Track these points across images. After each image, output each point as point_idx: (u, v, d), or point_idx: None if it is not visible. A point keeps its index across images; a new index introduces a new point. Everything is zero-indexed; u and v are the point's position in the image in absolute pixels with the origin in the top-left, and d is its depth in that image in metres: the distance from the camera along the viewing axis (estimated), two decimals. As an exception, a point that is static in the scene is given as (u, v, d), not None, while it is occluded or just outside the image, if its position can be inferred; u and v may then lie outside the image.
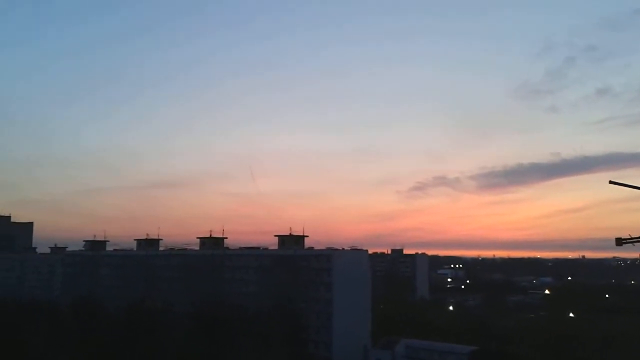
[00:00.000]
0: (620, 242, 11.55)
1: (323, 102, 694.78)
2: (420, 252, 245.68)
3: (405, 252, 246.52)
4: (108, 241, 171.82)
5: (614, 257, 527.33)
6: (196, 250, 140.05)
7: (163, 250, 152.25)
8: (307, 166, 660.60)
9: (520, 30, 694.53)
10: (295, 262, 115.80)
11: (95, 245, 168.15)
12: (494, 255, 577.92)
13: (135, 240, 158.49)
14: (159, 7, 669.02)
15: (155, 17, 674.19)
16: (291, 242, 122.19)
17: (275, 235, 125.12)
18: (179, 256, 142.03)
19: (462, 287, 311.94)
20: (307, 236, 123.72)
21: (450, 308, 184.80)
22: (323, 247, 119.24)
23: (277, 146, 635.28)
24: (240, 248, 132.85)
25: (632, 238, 11.29)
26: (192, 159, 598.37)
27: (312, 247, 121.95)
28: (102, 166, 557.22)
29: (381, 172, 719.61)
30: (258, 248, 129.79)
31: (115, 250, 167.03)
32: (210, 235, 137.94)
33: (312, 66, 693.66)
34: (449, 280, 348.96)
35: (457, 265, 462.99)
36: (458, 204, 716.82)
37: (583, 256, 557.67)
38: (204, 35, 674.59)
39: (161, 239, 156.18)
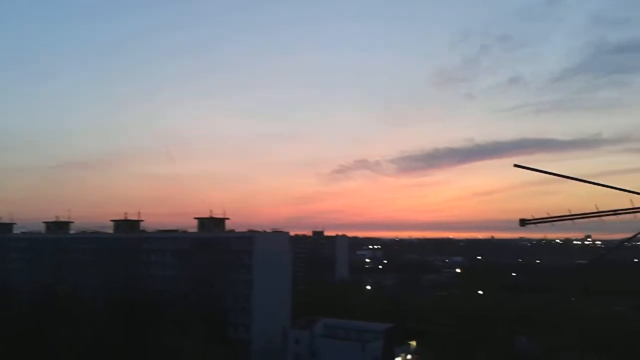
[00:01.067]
0: (523, 222, 12.08)
1: (244, 85, 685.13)
2: (340, 234, 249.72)
3: (326, 234, 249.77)
4: (15, 223, 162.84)
5: (521, 238, 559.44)
6: (110, 233, 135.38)
7: (74, 234, 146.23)
8: (228, 148, 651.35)
9: (441, 17, 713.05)
10: (216, 245, 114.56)
11: (2, 228, 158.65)
12: (410, 237, 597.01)
13: (44, 222, 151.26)
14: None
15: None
16: (211, 224, 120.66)
17: (195, 218, 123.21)
18: (91, 239, 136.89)
19: (380, 267, 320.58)
20: (228, 219, 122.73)
21: (368, 288, 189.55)
22: (244, 230, 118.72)
23: (197, 127, 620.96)
24: (158, 231, 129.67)
25: (535, 219, 11.82)
26: (104, 138, 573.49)
27: (233, 230, 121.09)
28: (7, 145, 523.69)
29: (303, 155, 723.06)
30: (176, 231, 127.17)
31: (22, 233, 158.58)
32: (125, 217, 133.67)
33: (234, 49, 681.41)
34: (368, 260, 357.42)
35: (375, 246, 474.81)
36: (378, 186, 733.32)
37: (492, 237, 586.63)
38: (122, 11, 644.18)
39: (72, 222, 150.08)
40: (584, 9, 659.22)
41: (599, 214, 11.59)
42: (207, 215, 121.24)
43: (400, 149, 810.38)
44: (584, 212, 12.04)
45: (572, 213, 11.80)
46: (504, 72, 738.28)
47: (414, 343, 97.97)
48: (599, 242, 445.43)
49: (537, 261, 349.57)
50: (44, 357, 71.90)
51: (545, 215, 12.21)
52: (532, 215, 11.95)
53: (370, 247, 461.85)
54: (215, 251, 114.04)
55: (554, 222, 12.12)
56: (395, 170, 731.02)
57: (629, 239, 13.72)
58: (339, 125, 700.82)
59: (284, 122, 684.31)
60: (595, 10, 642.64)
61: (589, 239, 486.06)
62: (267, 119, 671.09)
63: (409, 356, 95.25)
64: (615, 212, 11.45)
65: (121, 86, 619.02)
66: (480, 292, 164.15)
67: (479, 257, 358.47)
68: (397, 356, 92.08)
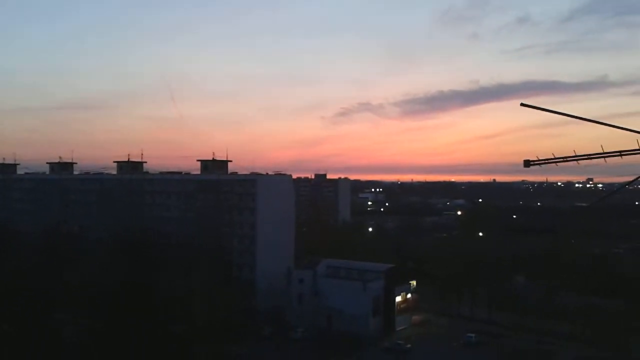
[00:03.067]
0: (528, 163, 11.92)
1: (249, 29, 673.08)
2: (343, 176, 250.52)
3: (329, 177, 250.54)
4: (19, 164, 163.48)
5: (523, 181, 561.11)
6: (114, 174, 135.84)
7: (78, 174, 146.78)
8: (232, 92, 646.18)
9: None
10: (219, 187, 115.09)
11: (5, 169, 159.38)
12: (412, 180, 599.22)
13: (48, 163, 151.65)
14: None
15: None
16: (214, 167, 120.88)
17: (198, 160, 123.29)
18: (95, 180, 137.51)
19: (382, 210, 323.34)
20: (230, 161, 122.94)
21: (370, 230, 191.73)
22: (247, 173, 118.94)
23: (201, 71, 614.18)
24: (161, 173, 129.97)
25: (539, 160, 11.66)
26: (108, 80, 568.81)
27: (236, 172, 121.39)
28: (11, 86, 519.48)
29: (306, 98, 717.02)
30: (180, 173, 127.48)
31: (26, 173, 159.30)
32: (129, 159, 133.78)
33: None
34: (370, 203, 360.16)
35: (377, 189, 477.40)
36: (380, 129, 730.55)
37: (494, 180, 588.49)
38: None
39: (75, 163, 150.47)
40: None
41: (604, 155, 11.41)
42: (210, 158, 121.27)
43: (404, 92, 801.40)
44: (588, 153, 11.86)
45: (577, 154, 11.62)
46: (513, 11, 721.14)
47: (414, 283, 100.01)
48: (601, 185, 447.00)
49: (538, 203, 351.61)
50: (50, 295, 73.55)
51: (549, 157, 12.04)
52: (536, 157, 11.79)
53: (373, 190, 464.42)
54: (219, 193, 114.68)
55: (558, 163, 11.96)
56: (398, 114, 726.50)
57: (630, 182, 13.59)
58: (342, 68, 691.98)
59: (287, 66, 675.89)
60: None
61: (590, 182, 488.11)
62: (271, 63, 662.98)
63: (409, 295, 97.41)
64: (620, 153, 11.26)
65: (126, 29, 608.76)
66: (480, 234, 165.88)
67: (480, 200, 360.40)
68: (398, 295, 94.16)
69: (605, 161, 11.77)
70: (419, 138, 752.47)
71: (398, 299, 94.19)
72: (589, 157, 11.80)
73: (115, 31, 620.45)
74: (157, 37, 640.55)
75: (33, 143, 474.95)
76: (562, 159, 11.99)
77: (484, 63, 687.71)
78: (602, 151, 11.60)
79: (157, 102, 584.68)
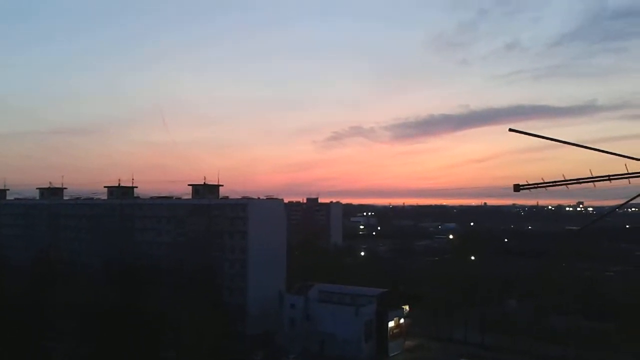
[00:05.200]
0: (517, 188, 12.13)
1: (239, 53, 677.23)
2: (334, 200, 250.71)
3: (320, 200, 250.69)
4: (8, 190, 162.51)
5: (513, 204, 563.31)
6: (104, 199, 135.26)
7: (68, 200, 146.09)
8: (223, 116, 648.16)
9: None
10: (210, 212, 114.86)
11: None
12: (403, 204, 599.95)
13: (37, 189, 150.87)
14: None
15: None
16: (206, 191, 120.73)
17: (189, 185, 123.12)
18: (85, 206, 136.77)
19: (374, 233, 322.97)
20: (222, 185, 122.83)
21: (362, 254, 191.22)
22: (239, 197, 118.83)
23: (191, 94, 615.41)
24: (152, 197, 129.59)
25: (529, 184, 11.89)
26: (99, 105, 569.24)
27: (228, 197, 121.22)
28: (2, 111, 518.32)
29: (298, 122, 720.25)
30: (171, 197, 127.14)
31: (16, 199, 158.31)
32: (119, 184, 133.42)
33: (231, 18, 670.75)
34: (362, 227, 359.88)
35: (369, 213, 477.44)
36: (372, 153, 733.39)
37: (485, 203, 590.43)
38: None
39: (65, 188, 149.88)
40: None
41: (593, 179, 11.65)
42: (201, 182, 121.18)
43: (395, 116, 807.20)
44: (578, 177, 12.08)
45: (566, 179, 11.85)
46: (502, 37, 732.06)
47: (407, 307, 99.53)
48: (591, 209, 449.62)
49: (529, 227, 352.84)
50: (39, 322, 72.61)
51: (539, 182, 12.25)
52: (526, 181, 12.00)
53: (364, 214, 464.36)
54: (210, 218, 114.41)
55: (548, 188, 12.18)
56: (389, 137, 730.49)
57: (621, 206, 13.82)
58: (334, 92, 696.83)
59: (279, 90, 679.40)
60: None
61: (581, 206, 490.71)
62: (263, 87, 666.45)
63: (401, 320, 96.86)
64: (609, 178, 11.50)
65: (118, 55, 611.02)
66: (472, 257, 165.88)
67: (472, 224, 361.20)
68: (391, 320, 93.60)
69: (595, 186, 12.02)
70: (411, 162, 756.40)
71: (391, 323, 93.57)
72: (578, 181, 12.03)
73: (106, 57, 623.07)
74: (149, 62, 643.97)
75: (24, 168, 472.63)
76: (551, 184, 12.22)
77: (474, 88, 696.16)
78: (591, 175, 11.84)
79: (148, 126, 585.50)
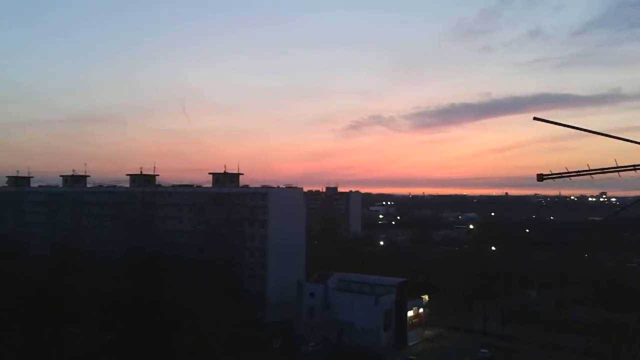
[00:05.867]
0: (541, 177, 11.94)
1: (259, 42, 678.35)
2: (354, 189, 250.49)
3: (340, 189, 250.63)
4: (32, 177, 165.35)
5: (535, 195, 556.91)
6: (126, 187, 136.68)
7: (91, 187, 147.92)
8: (243, 105, 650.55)
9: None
10: (230, 200, 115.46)
11: (19, 182, 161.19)
12: (423, 193, 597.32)
13: (61, 176, 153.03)
14: None
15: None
16: (226, 180, 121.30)
17: (210, 173, 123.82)
18: (108, 193, 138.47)
19: (393, 223, 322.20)
20: (242, 174, 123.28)
21: (382, 243, 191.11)
22: (258, 185, 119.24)
23: (213, 84, 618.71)
24: (173, 186, 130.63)
25: (552, 174, 11.68)
26: (121, 94, 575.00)
27: (247, 185, 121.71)
28: (25, 99, 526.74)
29: (318, 111, 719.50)
30: (192, 186, 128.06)
31: (40, 186, 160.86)
32: (141, 172, 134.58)
33: (250, 9, 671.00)
34: (381, 216, 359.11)
35: (388, 203, 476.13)
36: (392, 142, 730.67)
37: (506, 193, 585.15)
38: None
39: (88, 176, 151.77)
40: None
41: (618, 169, 11.42)
42: (221, 171, 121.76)
43: (415, 105, 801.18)
44: (602, 167, 11.87)
45: (590, 168, 11.64)
46: (525, 24, 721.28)
47: (426, 297, 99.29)
48: (614, 199, 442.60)
49: (551, 217, 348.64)
50: (61, 308, 73.90)
51: (563, 171, 12.06)
52: (549, 171, 11.81)
53: (384, 203, 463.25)
54: (230, 206, 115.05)
55: (572, 178, 11.98)
56: (409, 127, 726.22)
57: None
58: (354, 81, 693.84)
59: (298, 79, 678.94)
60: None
61: (604, 196, 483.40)
62: (281, 76, 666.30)
63: (421, 309, 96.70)
64: (634, 167, 11.26)
65: (138, 43, 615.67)
66: (492, 248, 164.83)
67: (493, 214, 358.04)
68: (410, 309, 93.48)
69: (619, 175, 11.77)
70: (431, 151, 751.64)
71: (410, 313, 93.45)
72: (602, 171, 11.80)
73: (126, 45, 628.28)
74: (168, 51, 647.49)
75: (47, 156, 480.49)
76: (575, 173, 12.01)
77: (495, 76, 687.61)
78: (615, 165, 11.60)
79: (168, 115, 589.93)
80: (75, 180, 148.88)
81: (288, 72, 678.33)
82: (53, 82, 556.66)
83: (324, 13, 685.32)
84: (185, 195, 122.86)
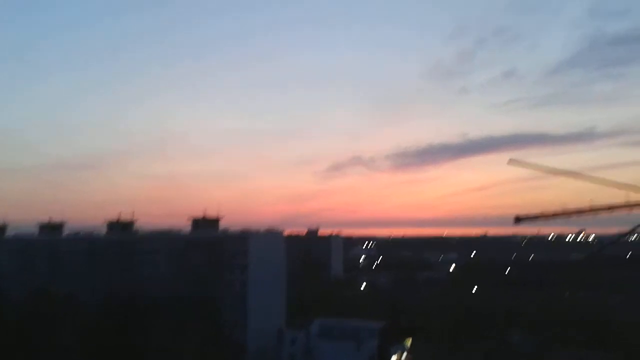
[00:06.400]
0: (518, 220, 12.04)
1: (241, 84, 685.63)
2: (335, 232, 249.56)
3: (321, 232, 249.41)
4: (7, 226, 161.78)
5: (514, 235, 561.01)
6: (104, 234, 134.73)
7: (68, 235, 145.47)
8: (224, 146, 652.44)
9: (436, 11, 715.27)
10: (210, 245, 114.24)
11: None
12: (404, 234, 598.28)
13: (38, 224, 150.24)
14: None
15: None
16: (205, 224, 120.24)
17: (189, 218, 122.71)
18: (85, 241, 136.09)
19: (375, 265, 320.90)
20: (222, 218, 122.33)
21: (364, 286, 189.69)
22: (239, 229, 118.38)
23: (193, 126, 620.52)
24: (152, 232, 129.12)
25: (529, 216, 11.79)
26: (98, 139, 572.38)
27: (227, 229, 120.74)
28: (1, 146, 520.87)
29: (299, 152, 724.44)
30: (171, 231, 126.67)
31: (15, 235, 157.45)
32: (119, 218, 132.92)
33: (230, 51, 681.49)
34: (362, 259, 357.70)
35: (370, 244, 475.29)
36: (372, 183, 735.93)
37: (486, 233, 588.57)
38: (121, 12, 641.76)
39: (65, 223, 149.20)
40: (581, 1, 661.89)
41: (594, 210, 11.57)
42: (201, 215, 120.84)
43: (395, 145, 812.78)
44: (578, 208, 12.01)
45: (567, 209, 11.77)
46: (499, 65, 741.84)
47: (409, 340, 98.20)
48: (592, 237, 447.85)
49: (531, 257, 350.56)
50: (39, 357, 71.53)
51: (540, 211, 12.19)
52: (526, 211, 11.94)
53: (365, 245, 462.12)
54: (210, 251, 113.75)
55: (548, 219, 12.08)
56: (389, 167, 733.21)
57: (625, 235, 13.71)
58: (334, 122, 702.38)
59: (279, 121, 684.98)
60: (592, 1, 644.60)
61: (582, 234, 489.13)
62: (263, 117, 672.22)
63: (404, 354, 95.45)
64: (610, 208, 11.42)
65: (117, 87, 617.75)
66: (474, 288, 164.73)
67: (473, 254, 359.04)
68: (393, 354, 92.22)
69: (596, 218, 11.92)
70: (411, 191, 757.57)
71: (393, 358, 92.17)
72: (578, 212, 11.95)
73: (105, 91, 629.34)
74: (149, 95, 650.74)
75: (24, 203, 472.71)
76: (551, 215, 12.13)
77: (472, 116, 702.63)
78: (591, 206, 11.75)
79: (149, 159, 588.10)
80: (52, 228, 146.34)
81: (269, 114, 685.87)
82: (30, 128, 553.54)
83: (305, 55, 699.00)
84: (163, 241, 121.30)
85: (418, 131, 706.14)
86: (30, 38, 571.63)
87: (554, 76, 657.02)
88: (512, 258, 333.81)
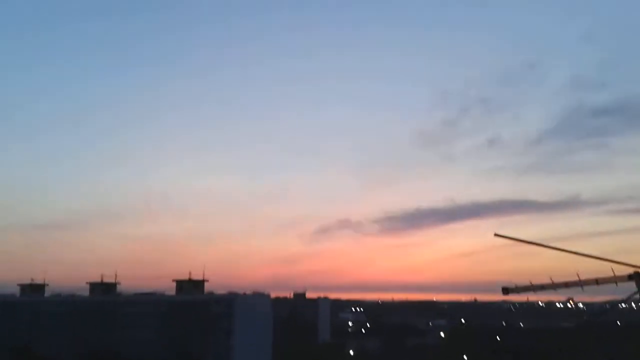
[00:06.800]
0: (506, 291, 11.98)
1: (227, 144, 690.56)
2: (322, 295, 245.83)
3: (308, 295, 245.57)
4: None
5: (504, 301, 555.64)
6: (86, 296, 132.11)
7: (49, 297, 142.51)
8: (208, 207, 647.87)
9: (421, 79, 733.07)
10: (195, 308, 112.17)
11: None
12: (392, 298, 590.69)
13: (18, 285, 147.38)
14: (61, 36, 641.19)
15: (50, 41, 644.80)
16: (190, 287, 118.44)
17: (174, 280, 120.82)
18: (67, 303, 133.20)
19: (363, 330, 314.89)
20: (207, 280, 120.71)
21: (351, 352, 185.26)
22: (224, 292, 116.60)
23: (177, 187, 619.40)
24: (135, 294, 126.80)
25: (516, 287, 11.73)
26: (81, 199, 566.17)
27: (213, 292, 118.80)
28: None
29: (284, 214, 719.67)
30: (154, 294, 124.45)
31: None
32: (102, 280, 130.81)
33: (212, 108, 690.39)
34: (350, 323, 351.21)
35: (358, 309, 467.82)
36: (360, 246, 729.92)
37: (475, 299, 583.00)
38: (101, 70, 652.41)
39: (47, 284, 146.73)
40: (562, 73, 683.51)
41: (581, 283, 11.55)
42: (186, 277, 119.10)
43: (383, 209, 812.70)
44: (565, 279, 11.99)
45: (554, 282, 11.74)
46: (483, 134, 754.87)
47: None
48: (581, 305, 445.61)
49: (521, 324, 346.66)
50: None
51: (527, 280, 12.15)
52: (514, 278, 11.89)
53: (353, 309, 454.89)
54: (195, 314, 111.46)
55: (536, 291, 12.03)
56: (377, 230, 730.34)
57: (621, 302, 13.61)
58: (321, 185, 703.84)
59: (265, 182, 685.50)
60: (574, 74, 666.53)
61: (571, 302, 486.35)
62: (249, 179, 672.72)
63: None
64: (597, 281, 11.41)
65: (98, 146, 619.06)
66: (464, 356, 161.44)
67: (463, 320, 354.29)
68: None
69: (582, 289, 11.91)
70: (399, 255, 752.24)
71: None
72: (566, 284, 11.94)
73: (86, 151, 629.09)
74: (131, 155, 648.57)
75: (5, 263, 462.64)
76: (539, 287, 12.11)
77: (458, 182, 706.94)
78: (578, 278, 11.74)
79: (132, 220, 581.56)
80: (34, 290, 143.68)
81: (255, 175, 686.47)
82: (10, 188, 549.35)
83: (292, 115, 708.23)
84: (147, 304, 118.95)
85: (405, 196, 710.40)
86: (8, 97, 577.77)
87: (538, 145, 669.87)
88: (503, 324, 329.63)
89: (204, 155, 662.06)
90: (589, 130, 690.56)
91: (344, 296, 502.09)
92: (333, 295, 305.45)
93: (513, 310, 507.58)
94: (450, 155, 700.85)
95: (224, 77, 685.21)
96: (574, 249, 12.24)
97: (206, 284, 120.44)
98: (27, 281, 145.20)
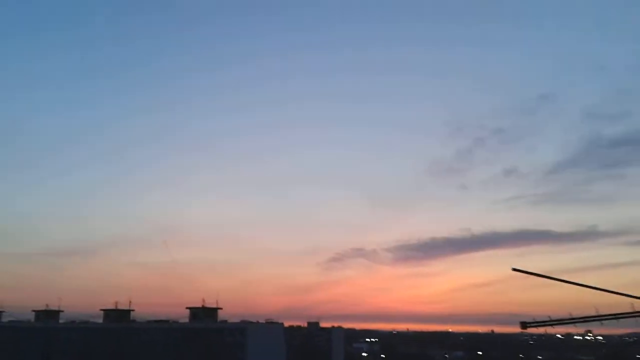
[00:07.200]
0: (525, 326, 11.91)
1: (243, 175, 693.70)
2: (336, 325, 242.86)
3: (322, 325, 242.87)
4: (3, 311, 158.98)
5: (522, 332, 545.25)
6: (100, 323, 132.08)
7: (64, 323, 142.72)
8: (223, 235, 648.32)
9: (433, 112, 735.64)
10: (208, 336, 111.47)
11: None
12: (407, 329, 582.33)
13: (33, 311, 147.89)
14: (62, 63, 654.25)
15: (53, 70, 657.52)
16: (204, 314, 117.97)
17: (187, 308, 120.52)
18: (81, 329, 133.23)
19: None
20: (220, 308, 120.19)
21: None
22: (238, 320, 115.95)
23: (191, 215, 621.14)
24: (149, 321, 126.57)
25: (535, 322, 11.66)
26: (97, 225, 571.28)
27: (226, 320, 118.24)
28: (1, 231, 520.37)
29: (299, 244, 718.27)
30: (168, 321, 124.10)
31: (10, 321, 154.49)
32: (116, 306, 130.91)
33: (231, 142, 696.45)
34: (364, 354, 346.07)
35: (372, 339, 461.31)
36: (375, 276, 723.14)
37: (492, 330, 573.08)
38: (104, 94, 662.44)
39: (62, 311, 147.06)
40: (577, 104, 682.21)
41: (600, 317, 11.45)
42: (199, 305, 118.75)
43: (397, 238, 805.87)
44: (584, 314, 11.89)
45: (573, 317, 11.65)
46: (499, 164, 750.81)
47: None
48: (600, 337, 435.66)
49: (539, 357, 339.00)
50: None
51: (545, 312, 12.10)
52: (531, 313, 11.84)
53: (367, 339, 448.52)
54: (208, 343, 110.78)
55: (554, 326, 11.93)
56: (392, 260, 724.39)
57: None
58: (336, 213, 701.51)
59: (280, 211, 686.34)
60: (589, 105, 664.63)
61: (590, 334, 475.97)
62: (264, 206, 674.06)
63: None
64: (616, 317, 11.31)
65: (115, 175, 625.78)
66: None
67: (480, 352, 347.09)
68: None
69: (602, 324, 11.78)
70: (414, 285, 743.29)
71: None
72: (585, 320, 11.81)
73: (105, 177, 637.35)
74: (148, 184, 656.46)
75: (21, 289, 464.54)
76: (558, 321, 11.99)
77: (474, 212, 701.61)
78: (597, 313, 11.64)
79: (147, 248, 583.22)
80: (48, 315, 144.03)
81: (270, 205, 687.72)
82: (25, 212, 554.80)
83: (308, 149, 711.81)
84: (160, 331, 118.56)
85: (420, 225, 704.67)
86: (11, 128, 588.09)
87: (554, 175, 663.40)
88: (521, 357, 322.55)
89: (219, 184, 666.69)
90: (606, 161, 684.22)
91: (358, 326, 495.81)
92: (347, 325, 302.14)
93: (531, 342, 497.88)
94: (465, 185, 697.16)
95: (244, 115, 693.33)
96: (592, 282, 12.18)
97: (220, 312, 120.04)
98: (42, 307, 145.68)
